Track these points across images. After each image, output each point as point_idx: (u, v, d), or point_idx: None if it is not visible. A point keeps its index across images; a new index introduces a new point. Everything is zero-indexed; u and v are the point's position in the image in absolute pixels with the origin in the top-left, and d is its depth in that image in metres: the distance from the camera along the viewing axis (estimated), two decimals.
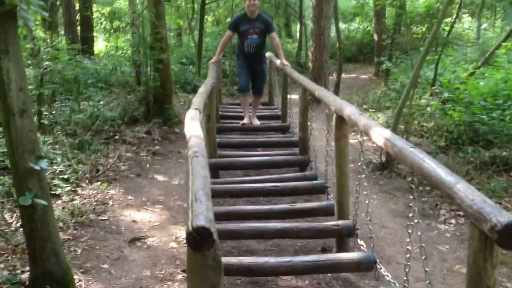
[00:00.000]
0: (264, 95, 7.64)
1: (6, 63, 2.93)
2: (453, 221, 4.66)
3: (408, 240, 2.72)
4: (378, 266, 3.26)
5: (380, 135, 2.79)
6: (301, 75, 6.06)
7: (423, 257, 2.50)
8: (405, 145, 2.47)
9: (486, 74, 8.04)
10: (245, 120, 6.89)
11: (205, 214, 1.63)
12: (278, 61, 6.99)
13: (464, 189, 1.84)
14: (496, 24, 15.84)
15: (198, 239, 1.56)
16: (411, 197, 2.56)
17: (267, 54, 7.65)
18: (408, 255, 2.70)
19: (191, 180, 2.00)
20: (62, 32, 13.25)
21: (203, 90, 4.70)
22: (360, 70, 17.23)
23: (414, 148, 2.38)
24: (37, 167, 3.01)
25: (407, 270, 2.77)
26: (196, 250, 1.59)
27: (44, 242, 3.14)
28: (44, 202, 3.05)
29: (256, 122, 6.98)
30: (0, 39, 2.88)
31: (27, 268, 3.38)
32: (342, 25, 21.36)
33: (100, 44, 17.24)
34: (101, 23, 18.98)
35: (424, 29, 13.28)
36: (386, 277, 3.17)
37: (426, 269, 2.48)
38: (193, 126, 2.93)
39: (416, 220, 2.52)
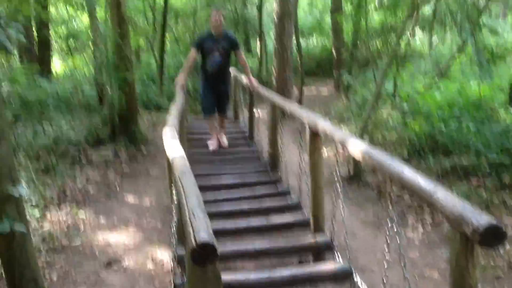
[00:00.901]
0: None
1: None
2: (420, 229, 4.84)
3: (386, 250, 2.83)
4: (355, 277, 3.36)
5: (357, 147, 2.90)
6: (270, 92, 6.16)
7: (402, 264, 2.61)
8: (384, 156, 2.59)
9: (442, 86, 8.45)
10: (213, 142, 6.68)
11: (206, 230, 1.68)
12: (244, 78, 7.03)
13: (444, 196, 1.97)
14: (447, 37, 16.60)
15: (203, 254, 1.60)
16: (390, 207, 2.68)
17: (231, 70, 7.56)
18: (386, 266, 2.81)
19: (184, 198, 2.04)
20: (17, 54, 12.95)
21: (175, 110, 4.70)
22: (319, 84, 17.59)
23: (393, 159, 2.50)
24: (15, 193, 2.97)
25: (385, 280, 2.87)
26: (200, 265, 1.63)
27: (22, 269, 3.08)
28: (22, 229, 3.00)
29: (224, 140, 6.81)
30: None
31: None
32: (301, 41, 21.85)
33: (56, 65, 16.91)
34: (58, 43, 18.65)
35: (379, 44, 13.76)
36: (362, 286, 3.28)
37: (407, 275, 2.58)
38: (174, 145, 2.96)
39: (395, 229, 2.63)
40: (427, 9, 15.91)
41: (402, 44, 8.21)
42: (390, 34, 11.08)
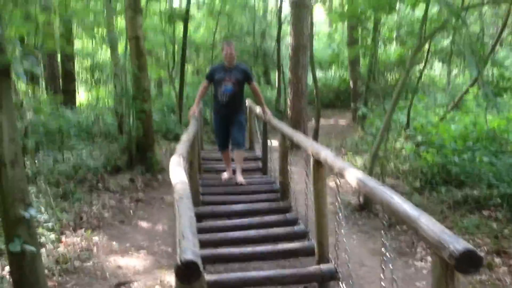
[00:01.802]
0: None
1: (0, 116, 3.09)
2: (429, 258, 4.83)
3: (382, 276, 2.87)
4: None
5: (353, 176, 2.99)
6: (280, 122, 6.29)
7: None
8: (376, 184, 2.68)
9: (456, 118, 8.48)
10: (227, 175, 6.61)
11: (192, 250, 1.79)
12: (258, 109, 7.18)
13: (426, 222, 2.04)
14: (466, 70, 16.60)
15: (186, 272, 1.70)
16: (382, 231, 2.74)
17: (247, 102, 7.72)
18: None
19: (177, 220, 2.16)
20: (43, 85, 13.48)
21: (185, 138, 4.88)
22: (337, 115, 17.71)
23: (384, 187, 2.59)
24: (26, 215, 3.13)
25: None
26: (184, 282, 1.73)
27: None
28: (33, 249, 3.15)
29: (240, 178, 6.42)
30: None
31: None
32: (319, 73, 22.09)
33: (81, 96, 17.47)
34: (83, 75, 19.32)
35: (397, 76, 13.89)
36: None
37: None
38: (178, 172, 3.10)
39: (388, 254, 2.68)
40: (445, 42, 16.05)
41: (414, 76, 8.30)
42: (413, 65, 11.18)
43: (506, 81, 5.23)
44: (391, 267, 2.69)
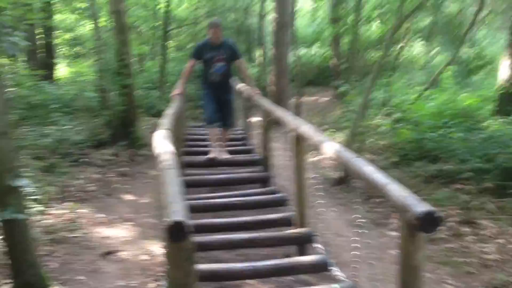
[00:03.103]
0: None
1: None
2: None
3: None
4: (333, 268, 3.62)
5: (331, 148, 3.18)
6: (263, 99, 6.43)
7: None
8: (351, 155, 2.87)
9: (433, 96, 8.74)
10: (212, 154, 6.29)
11: (181, 212, 1.95)
12: (240, 85, 7.28)
13: (394, 188, 2.23)
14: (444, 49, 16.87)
15: (177, 232, 1.87)
16: (359, 201, 2.94)
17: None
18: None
19: (166, 187, 2.31)
20: (24, 59, 13.31)
21: (170, 111, 5.01)
22: (320, 93, 17.87)
23: (357, 158, 2.78)
24: (17, 185, 3.25)
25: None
26: (175, 241, 1.90)
27: (23, 254, 3.36)
28: (24, 216, 3.29)
29: (227, 155, 6.39)
30: None
31: (7, 281, 3.56)
32: (302, 51, 22.18)
33: (62, 70, 17.28)
34: (63, 49, 19.04)
35: (378, 55, 14.06)
36: (340, 277, 3.53)
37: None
38: (164, 144, 3.24)
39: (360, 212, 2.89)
40: (426, 21, 16.25)
41: (393, 54, 8.49)
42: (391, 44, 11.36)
43: (479, 60, 5.43)
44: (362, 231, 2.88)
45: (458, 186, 5.74)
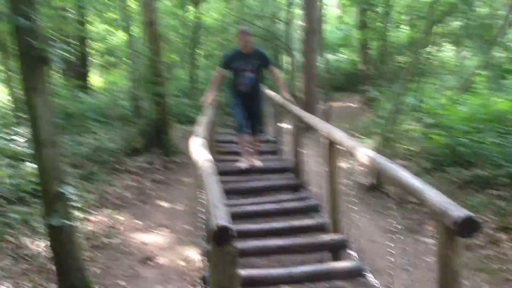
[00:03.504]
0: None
1: (36, 99, 3.35)
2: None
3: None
4: (367, 274, 3.65)
5: (364, 154, 3.22)
6: (295, 106, 6.47)
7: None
8: (385, 161, 2.91)
9: (466, 100, 8.61)
10: (244, 164, 6.29)
11: (224, 217, 2.04)
12: (272, 93, 7.31)
13: (431, 193, 2.27)
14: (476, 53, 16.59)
15: (221, 236, 1.96)
16: (394, 207, 2.97)
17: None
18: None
19: (208, 194, 2.41)
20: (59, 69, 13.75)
21: (204, 120, 5.12)
22: (348, 98, 17.83)
23: (392, 164, 2.82)
24: (64, 192, 3.41)
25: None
26: (219, 245, 1.99)
27: (69, 259, 3.52)
28: (70, 223, 3.44)
29: (258, 163, 6.36)
30: (31, 79, 3.32)
31: (52, 285, 3.73)
32: (330, 56, 22.18)
33: (95, 79, 17.75)
34: (97, 59, 19.56)
35: (407, 59, 13.95)
36: (375, 284, 3.56)
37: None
38: (202, 152, 3.34)
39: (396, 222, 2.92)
40: (457, 24, 16.04)
41: (424, 58, 8.42)
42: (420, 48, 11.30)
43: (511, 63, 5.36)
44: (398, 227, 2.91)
45: (494, 192, 5.67)
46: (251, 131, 6.31)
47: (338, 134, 3.96)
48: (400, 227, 4.93)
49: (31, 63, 3.30)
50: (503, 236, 4.60)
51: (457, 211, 2.03)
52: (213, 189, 2.46)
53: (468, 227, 2.00)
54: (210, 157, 3.17)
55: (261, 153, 6.83)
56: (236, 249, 2.10)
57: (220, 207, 2.19)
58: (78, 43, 13.43)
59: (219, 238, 1.98)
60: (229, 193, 5.84)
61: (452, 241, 2.13)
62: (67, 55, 3.59)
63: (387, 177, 2.82)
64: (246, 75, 6.05)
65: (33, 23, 3.18)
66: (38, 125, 3.35)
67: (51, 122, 3.42)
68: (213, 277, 2.18)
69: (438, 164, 6.82)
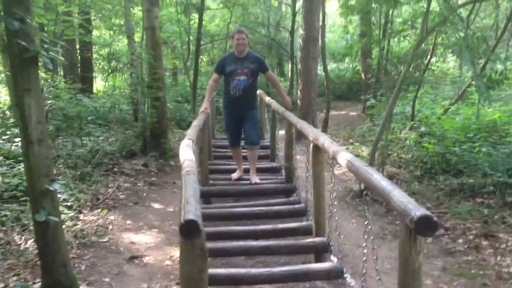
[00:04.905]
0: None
1: (28, 100, 3.45)
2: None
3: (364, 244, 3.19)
4: (346, 276, 3.72)
5: (344, 158, 3.30)
6: (287, 111, 6.56)
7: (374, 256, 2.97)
8: (361, 164, 2.99)
9: (460, 110, 8.71)
10: (237, 174, 6.25)
11: (194, 212, 2.14)
12: (267, 98, 7.39)
13: (397, 194, 2.35)
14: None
15: (189, 229, 2.05)
16: (366, 207, 3.06)
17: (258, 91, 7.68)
18: (365, 250, 3.18)
19: (183, 190, 2.50)
20: (62, 73, 13.93)
21: (196, 123, 5.25)
22: (349, 107, 17.98)
23: (367, 167, 2.91)
24: (51, 188, 3.51)
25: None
26: (187, 238, 2.08)
27: (54, 255, 3.59)
28: (56, 219, 3.53)
29: (256, 179, 6.08)
30: (24, 80, 3.42)
31: (37, 280, 3.82)
32: (332, 65, 22.34)
33: (98, 83, 17.96)
34: (100, 64, 19.78)
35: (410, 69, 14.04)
36: (353, 286, 3.64)
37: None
38: (186, 152, 3.45)
39: (369, 226, 3.01)
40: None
41: (421, 68, 8.49)
42: (416, 59, 11.43)
43: (498, 75, 5.42)
44: (371, 237, 2.99)
45: (480, 200, 5.74)
46: (246, 141, 6.14)
47: (323, 139, 4.04)
48: (385, 232, 5.02)
49: (23, 64, 3.41)
50: (483, 242, 4.66)
51: (416, 210, 2.11)
52: (189, 186, 2.55)
53: (426, 225, 2.08)
54: (192, 157, 3.27)
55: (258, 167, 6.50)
56: (205, 242, 2.18)
57: (192, 202, 2.28)
58: (82, 48, 13.66)
59: (186, 232, 2.07)
60: (221, 195, 6.04)
61: (412, 240, 2.21)
62: (61, 57, 3.68)
63: (361, 178, 2.90)
64: (237, 78, 5.86)
65: (26, 25, 3.29)
66: (29, 124, 3.45)
67: (41, 122, 3.52)
68: (182, 269, 2.27)
69: (429, 172, 6.90)
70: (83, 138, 8.40)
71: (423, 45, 13.08)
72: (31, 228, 4.72)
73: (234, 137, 6.14)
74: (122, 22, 12.39)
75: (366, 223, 3.12)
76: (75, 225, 5.23)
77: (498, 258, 4.35)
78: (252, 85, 5.98)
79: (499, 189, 5.73)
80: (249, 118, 6.03)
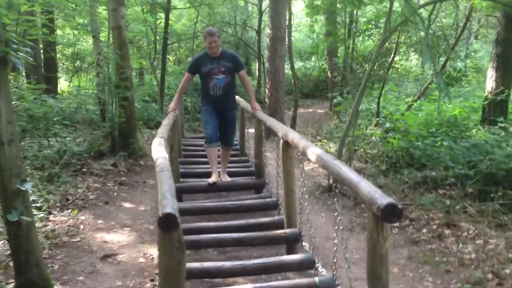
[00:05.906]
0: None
1: None
2: (393, 231, 5.33)
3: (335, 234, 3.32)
4: (318, 266, 3.85)
5: (313, 153, 3.43)
6: (260, 112, 6.63)
7: (343, 244, 3.11)
8: (330, 158, 3.12)
9: (423, 106, 9.03)
10: (213, 178, 5.93)
11: (171, 205, 2.21)
12: (243, 104, 7.48)
13: (364, 185, 2.48)
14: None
15: (167, 223, 2.12)
16: (336, 199, 3.19)
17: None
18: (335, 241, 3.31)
19: (159, 186, 2.57)
20: (24, 73, 13.64)
21: (166, 122, 5.29)
22: (316, 105, 18.27)
23: (336, 161, 3.04)
24: (23, 188, 3.50)
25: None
26: (165, 231, 2.15)
27: (27, 255, 3.59)
28: (28, 219, 3.53)
29: (226, 178, 6.09)
30: None
31: (11, 281, 3.80)
32: (299, 63, 22.62)
33: (62, 84, 17.63)
34: (64, 64, 19.44)
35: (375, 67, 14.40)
36: (323, 273, 3.78)
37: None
38: (159, 150, 3.51)
39: (339, 217, 3.14)
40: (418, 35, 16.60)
41: (384, 66, 8.76)
42: (381, 58, 11.75)
43: (457, 72, 5.69)
44: (341, 227, 3.13)
45: (443, 191, 5.99)
46: (222, 141, 6.09)
47: (292, 135, 4.17)
48: (354, 224, 5.19)
49: None
50: (446, 231, 4.89)
51: (382, 199, 2.24)
52: (164, 182, 2.62)
53: (391, 213, 2.22)
54: (165, 154, 3.33)
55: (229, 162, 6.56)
56: (182, 234, 2.26)
57: (168, 197, 2.35)
58: (45, 48, 13.40)
59: (164, 224, 2.14)
60: (192, 192, 6.11)
61: (379, 227, 2.35)
62: (29, 58, 3.67)
63: (331, 172, 3.03)
64: (216, 78, 5.74)
65: None
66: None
67: (11, 122, 3.51)
68: (161, 262, 2.34)
69: (394, 166, 7.14)
70: (50, 139, 8.29)
71: (386, 44, 13.49)
72: (0, 229, 4.68)
73: (214, 133, 5.86)
74: (86, 22, 12.23)
75: (336, 214, 3.24)
76: (46, 226, 5.19)
77: (460, 245, 4.57)
78: (231, 83, 5.89)
79: (460, 181, 6.01)
80: (229, 121, 6.02)
